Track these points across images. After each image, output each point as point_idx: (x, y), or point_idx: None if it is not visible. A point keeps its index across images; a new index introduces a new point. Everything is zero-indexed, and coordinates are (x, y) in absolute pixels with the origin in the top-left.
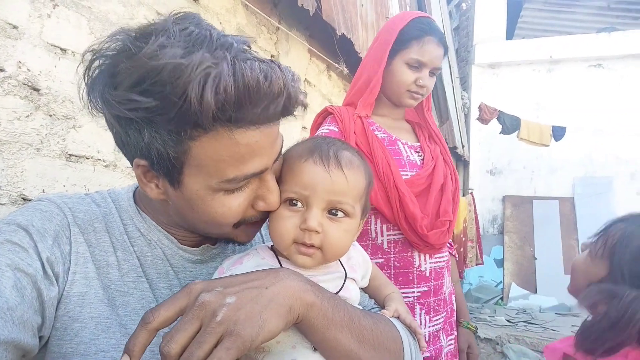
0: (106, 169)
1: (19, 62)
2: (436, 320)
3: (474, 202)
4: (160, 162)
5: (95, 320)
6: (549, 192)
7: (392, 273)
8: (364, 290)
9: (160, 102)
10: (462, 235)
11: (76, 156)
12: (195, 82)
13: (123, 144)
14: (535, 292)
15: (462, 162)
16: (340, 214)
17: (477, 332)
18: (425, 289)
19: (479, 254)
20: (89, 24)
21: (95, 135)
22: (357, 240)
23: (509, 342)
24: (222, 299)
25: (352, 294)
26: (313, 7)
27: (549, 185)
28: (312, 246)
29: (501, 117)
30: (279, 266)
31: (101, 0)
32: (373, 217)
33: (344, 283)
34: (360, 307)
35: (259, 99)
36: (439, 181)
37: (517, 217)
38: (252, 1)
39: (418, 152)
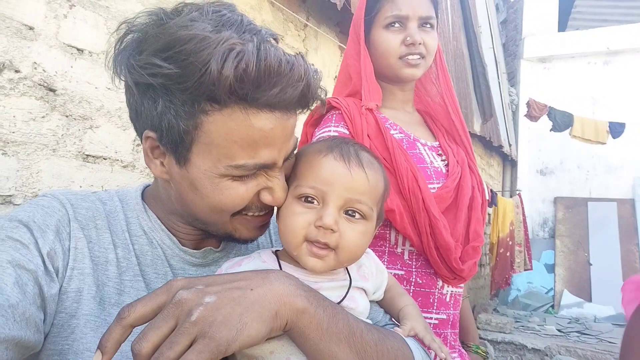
0: (124, 170)
1: (35, 62)
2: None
3: (522, 204)
4: (169, 134)
5: (86, 318)
6: (606, 194)
7: (412, 291)
8: (378, 303)
9: (180, 70)
10: (508, 239)
11: (93, 157)
12: (219, 54)
13: (136, 115)
14: (590, 300)
15: (510, 161)
16: (357, 215)
17: (488, 358)
18: (444, 317)
19: (527, 259)
20: (106, 24)
21: (113, 136)
22: (371, 244)
23: (560, 354)
24: (200, 297)
25: (359, 305)
26: (341, 1)
27: (606, 186)
28: (325, 246)
29: (552, 113)
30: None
31: (119, 0)
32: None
33: (347, 292)
34: (369, 321)
35: (278, 81)
36: (467, 194)
37: (570, 219)
38: None
39: (440, 154)
